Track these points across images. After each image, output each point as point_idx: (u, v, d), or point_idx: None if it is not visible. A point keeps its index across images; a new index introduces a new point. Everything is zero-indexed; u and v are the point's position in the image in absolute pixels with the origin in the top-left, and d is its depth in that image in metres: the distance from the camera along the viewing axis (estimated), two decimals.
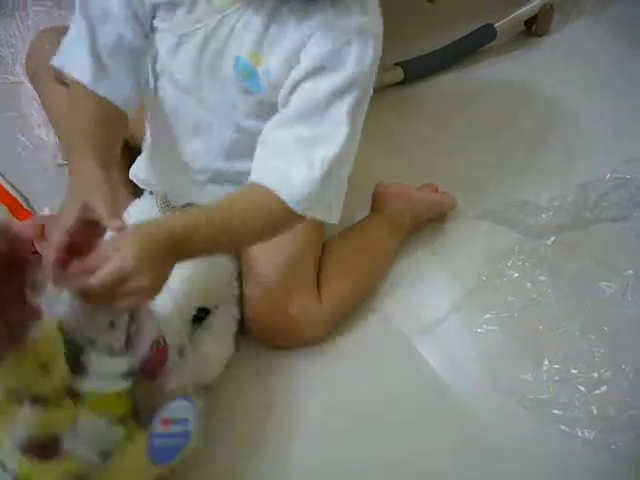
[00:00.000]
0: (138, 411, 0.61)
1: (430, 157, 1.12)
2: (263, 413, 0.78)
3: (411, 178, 1.02)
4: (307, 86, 0.67)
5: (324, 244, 0.87)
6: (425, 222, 0.99)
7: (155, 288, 0.59)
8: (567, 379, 0.83)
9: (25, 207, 0.93)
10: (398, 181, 0.99)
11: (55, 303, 0.56)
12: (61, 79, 0.86)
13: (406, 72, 1.23)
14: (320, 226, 0.84)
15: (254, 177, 0.68)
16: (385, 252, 0.93)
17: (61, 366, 0.56)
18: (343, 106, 0.68)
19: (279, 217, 0.68)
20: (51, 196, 0.91)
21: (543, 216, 0.98)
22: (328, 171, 0.67)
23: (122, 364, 0.59)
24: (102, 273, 0.56)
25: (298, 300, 0.80)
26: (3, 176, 0.97)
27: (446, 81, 1.29)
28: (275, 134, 0.69)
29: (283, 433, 0.77)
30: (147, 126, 0.84)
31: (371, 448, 0.77)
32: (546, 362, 0.85)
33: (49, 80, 0.90)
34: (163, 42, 0.73)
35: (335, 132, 0.68)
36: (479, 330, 0.88)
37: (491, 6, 1.40)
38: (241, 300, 0.82)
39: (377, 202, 0.96)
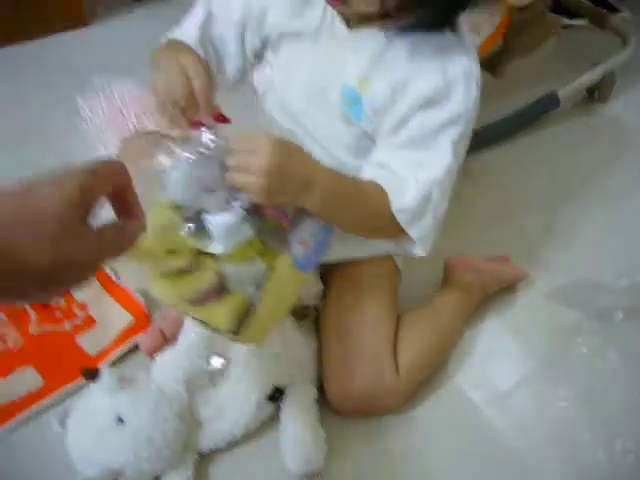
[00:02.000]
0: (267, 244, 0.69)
1: (500, 227, 1.15)
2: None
3: (480, 250, 1.05)
4: (418, 118, 0.74)
5: (399, 317, 0.90)
6: (495, 293, 1.01)
7: (264, 188, 0.65)
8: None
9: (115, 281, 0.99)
10: (467, 253, 1.02)
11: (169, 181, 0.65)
12: None
13: (472, 141, 1.27)
14: (394, 300, 0.89)
15: (374, 176, 0.75)
16: (456, 323, 0.95)
17: (184, 244, 0.66)
18: (448, 138, 0.74)
19: (385, 217, 0.74)
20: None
21: (611, 296, 0.99)
22: (430, 191, 0.74)
23: (236, 212, 0.66)
24: (238, 159, 0.64)
25: (377, 371, 0.83)
26: None
27: (511, 149, 1.31)
28: (388, 155, 0.76)
29: None
30: None
31: None
32: (619, 442, 0.85)
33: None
34: (282, 66, 0.83)
35: (440, 160, 0.75)
36: (549, 404, 0.89)
37: (554, 74, 1.44)
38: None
39: (448, 274, 0.99)
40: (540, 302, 1.02)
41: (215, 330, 0.70)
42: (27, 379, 0.86)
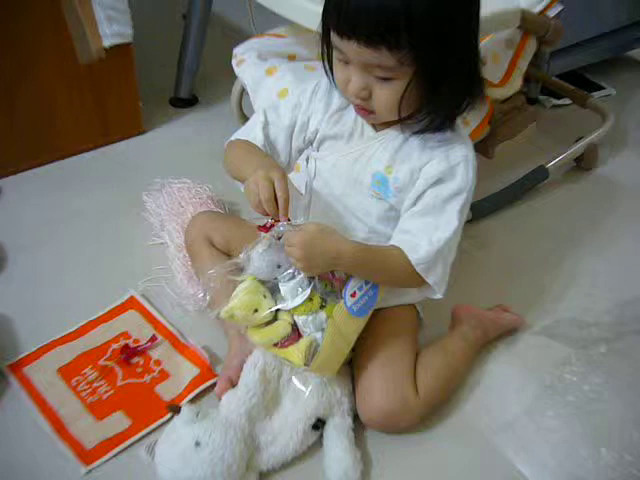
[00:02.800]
0: (325, 299, 0.97)
1: (501, 281, 1.35)
2: None
3: (483, 300, 1.26)
4: (430, 192, 0.98)
5: (418, 353, 1.10)
6: (497, 337, 1.21)
7: (304, 266, 0.92)
8: (622, 464, 1.00)
9: (182, 341, 1.21)
10: (472, 303, 1.22)
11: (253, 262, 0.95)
12: (211, 244, 1.19)
13: (473, 212, 1.48)
14: (416, 339, 1.11)
15: (394, 241, 0.98)
16: (463, 359, 1.14)
17: (265, 303, 0.96)
18: (455, 206, 0.98)
19: (405, 270, 0.98)
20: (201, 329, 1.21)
21: (592, 329, 1.18)
22: (441, 248, 0.97)
23: (302, 279, 0.95)
24: (291, 239, 0.91)
25: (401, 392, 1.02)
26: (161, 313, 1.25)
27: (510, 215, 1.53)
28: (408, 223, 0.99)
29: None
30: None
31: None
32: (603, 450, 1.02)
33: (203, 247, 1.20)
34: (324, 161, 1.06)
35: (448, 223, 0.98)
36: (546, 426, 1.07)
37: (543, 149, 1.67)
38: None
39: (455, 320, 1.20)
40: (532, 343, 1.21)
41: (293, 365, 0.97)
42: (117, 421, 1.06)
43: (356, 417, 1.05)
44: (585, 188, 1.64)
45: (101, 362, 1.15)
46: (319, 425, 1.02)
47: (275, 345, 0.98)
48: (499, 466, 1.03)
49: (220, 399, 1.04)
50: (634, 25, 2.08)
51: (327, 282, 0.98)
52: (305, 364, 0.96)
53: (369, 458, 1.03)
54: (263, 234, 0.95)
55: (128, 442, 1.03)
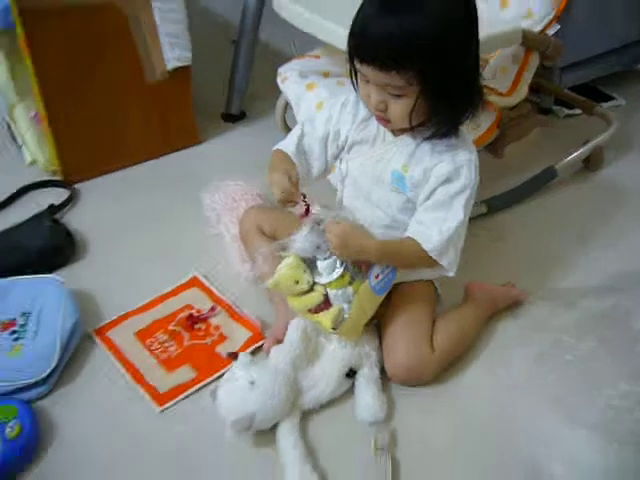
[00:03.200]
0: (354, 277, 1.17)
1: (512, 265, 1.55)
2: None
3: (495, 281, 1.45)
4: (440, 190, 1.17)
5: (435, 319, 1.30)
6: (505, 307, 1.41)
7: (339, 252, 1.14)
8: (612, 407, 1.18)
9: (237, 311, 1.43)
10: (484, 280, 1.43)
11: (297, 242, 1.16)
12: (261, 232, 1.42)
13: (489, 207, 1.67)
14: (435, 303, 1.32)
15: (410, 233, 1.19)
16: (474, 325, 1.34)
17: (305, 276, 1.17)
18: (461, 201, 1.17)
19: (421, 257, 1.18)
20: (252, 302, 1.43)
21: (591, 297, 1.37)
22: (450, 236, 1.17)
23: (336, 260, 1.16)
24: (329, 229, 1.13)
25: (419, 349, 1.23)
26: (219, 289, 1.48)
27: (522, 210, 1.72)
28: (422, 215, 1.19)
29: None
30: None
31: None
32: (597, 395, 1.20)
33: (255, 235, 1.42)
34: (353, 162, 1.28)
35: (455, 215, 1.17)
36: (546, 380, 1.26)
37: (555, 149, 1.86)
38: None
39: (468, 293, 1.40)
40: (536, 309, 1.40)
41: (322, 328, 1.19)
42: (185, 372, 1.29)
43: (382, 370, 1.26)
44: (592, 187, 1.82)
45: (170, 327, 1.39)
46: (351, 374, 1.23)
47: (309, 311, 1.19)
48: (503, 417, 1.22)
49: (268, 353, 1.26)
50: None
51: (356, 264, 1.20)
52: (333, 328, 1.18)
53: (393, 403, 1.24)
54: (305, 220, 1.17)
55: (194, 388, 1.26)
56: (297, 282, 1.18)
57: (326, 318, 1.17)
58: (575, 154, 1.80)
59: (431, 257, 1.18)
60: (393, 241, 1.21)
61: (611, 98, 2.22)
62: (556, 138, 2.00)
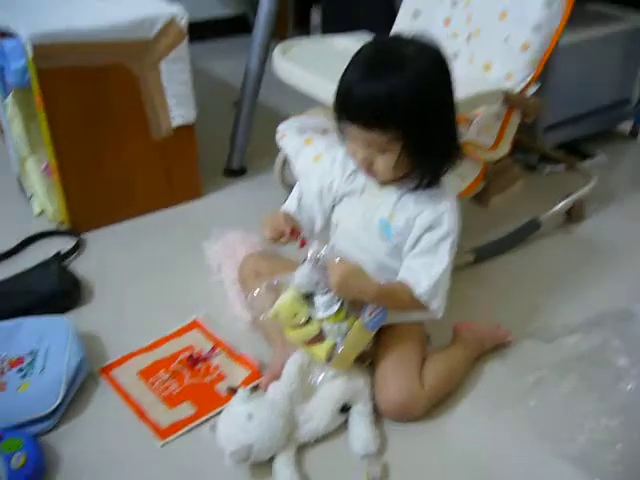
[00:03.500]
0: (349, 313, 1.23)
1: (496, 309, 1.62)
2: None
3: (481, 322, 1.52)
4: (425, 237, 1.25)
5: (425, 358, 1.36)
6: (491, 348, 1.47)
7: (338, 290, 1.20)
8: (594, 442, 1.24)
9: (236, 352, 1.49)
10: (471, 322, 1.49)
11: (297, 278, 1.23)
12: (259, 277, 1.49)
13: (476, 256, 1.75)
14: (424, 343, 1.39)
15: (401, 278, 1.26)
16: (462, 363, 1.40)
17: (303, 310, 1.24)
18: (445, 246, 1.25)
19: (412, 301, 1.25)
20: (251, 344, 1.50)
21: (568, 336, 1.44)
22: (437, 281, 1.24)
23: (333, 297, 1.22)
24: (332, 268, 1.20)
25: (410, 385, 1.29)
26: (219, 332, 1.55)
27: (507, 260, 1.81)
28: (411, 262, 1.27)
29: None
30: None
31: None
32: (579, 431, 1.26)
33: (253, 280, 1.49)
34: (343, 211, 1.36)
35: (441, 260, 1.25)
36: (531, 416, 1.32)
37: (539, 203, 1.95)
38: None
39: (456, 333, 1.47)
40: (521, 350, 1.47)
41: (316, 359, 1.26)
42: (186, 409, 1.34)
43: (375, 406, 1.32)
44: (573, 238, 1.91)
45: (172, 367, 1.45)
46: (345, 409, 1.29)
47: (305, 342, 1.27)
48: (490, 452, 1.27)
49: (266, 390, 1.32)
50: (619, 103, 2.42)
51: (351, 301, 1.27)
52: (327, 360, 1.25)
53: (385, 438, 1.29)
54: (308, 256, 1.24)
55: (194, 423, 1.31)
56: (296, 315, 1.25)
57: (321, 350, 1.25)
58: (558, 206, 1.90)
59: (420, 301, 1.26)
60: (389, 286, 1.28)
61: (593, 156, 2.33)
62: (540, 191, 2.10)
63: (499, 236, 1.82)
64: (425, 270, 1.26)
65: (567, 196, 1.92)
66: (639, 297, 1.48)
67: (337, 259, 1.22)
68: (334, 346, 1.24)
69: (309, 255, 1.24)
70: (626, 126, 2.55)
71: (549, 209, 1.89)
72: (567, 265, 1.80)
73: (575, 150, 2.33)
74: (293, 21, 3.52)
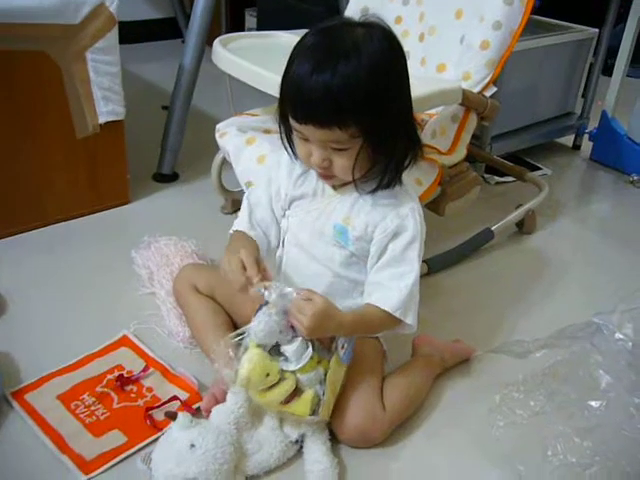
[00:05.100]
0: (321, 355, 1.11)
1: (456, 321, 1.53)
2: None
3: (442, 336, 1.42)
4: (390, 246, 1.14)
5: (384, 378, 1.24)
6: (453, 364, 1.36)
7: (310, 333, 1.06)
8: (566, 464, 1.14)
9: (171, 371, 1.33)
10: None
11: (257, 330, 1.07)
12: (197, 291, 1.35)
13: (429, 266, 1.67)
14: (382, 360, 1.27)
15: (371, 300, 1.14)
16: (424, 383, 1.29)
17: (274, 366, 1.08)
18: (413, 252, 1.14)
19: (388, 320, 1.14)
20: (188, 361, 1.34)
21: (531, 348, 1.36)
22: (409, 292, 1.13)
23: (302, 342, 1.09)
24: (298, 311, 1.05)
25: (371, 410, 1.16)
26: (151, 349, 1.38)
27: (460, 269, 1.73)
28: (377, 275, 1.15)
29: None
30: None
31: None
32: (549, 453, 1.17)
33: (190, 294, 1.35)
34: (294, 217, 1.23)
35: (411, 268, 1.14)
36: (498, 435, 1.22)
37: (489, 214, 1.89)
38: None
39: (415, 347, 1.36)
40: (484, 365, 1.38)
41: (299, 417, 1.11)
42: (114, 438, 1.17)
43: (331, 433, 1.18)
44: (524, 249, 1.86)
45: (97, 389, 1.27)
46: (299, 440, 1.15)
47: (280, 403, 1.10)
48: (452, 477, 1.17)
49: (207, 414, 1.16)
50: (563, 116, 2.43)
51: (319, 340, 1.12)
52: (311, 414, 1.10)
53: (344, 465, 1.16)
54: (265, 303, 1.08)
55: (124, 454, 1.14)
56: (267, 375, 1.08)
57: (302, 405, 1.10)
58: (509, 217, 1.84)
59: (395, 318, 1.13)
60: (362, 312, 1.15)
61: (538, 168, 2.31)
62: (493, 201, 2.05)
63: (451, 246, 1.73)
64: (394, 283, 1.14)
65: (518, 207, 1.86)
66: (596, 308, 1.41)
67: (296, 295, 1.06)
68: (315, 396, 1.10)
69: (263, 302, 1.08)
70: (569, 139, 2.56)
71: (500, 219, 1.82)
72: (522, 277, 1.74)
73: (520, 161, 2.29)
74: (226, 25, 3.38)
